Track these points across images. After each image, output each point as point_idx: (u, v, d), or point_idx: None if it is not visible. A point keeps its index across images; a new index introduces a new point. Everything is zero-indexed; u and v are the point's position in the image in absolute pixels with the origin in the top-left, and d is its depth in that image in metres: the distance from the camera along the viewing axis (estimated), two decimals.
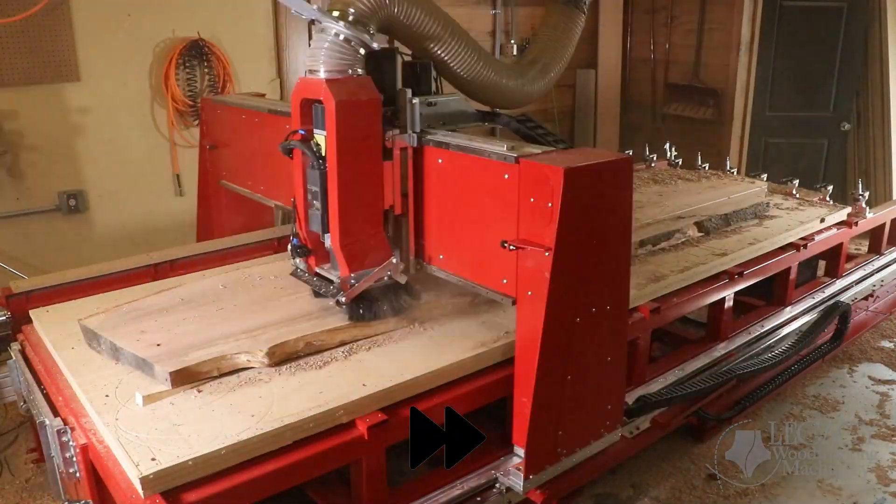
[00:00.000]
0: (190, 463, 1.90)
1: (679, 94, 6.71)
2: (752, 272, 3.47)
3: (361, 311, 2.57)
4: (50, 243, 4.21)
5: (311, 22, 2.45)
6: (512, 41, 6.05)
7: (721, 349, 3.39)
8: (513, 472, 2.31)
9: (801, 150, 6.38)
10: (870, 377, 3.93)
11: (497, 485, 2.36)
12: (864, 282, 4.10)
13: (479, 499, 2.42)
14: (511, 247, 2.16)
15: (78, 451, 2.09)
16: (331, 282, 2.59)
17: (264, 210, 3.67)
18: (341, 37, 2.35)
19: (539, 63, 3.02)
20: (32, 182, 4.11)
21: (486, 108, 2.95)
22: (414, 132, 2.52)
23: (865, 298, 4.17)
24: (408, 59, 2.72)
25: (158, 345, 2.41)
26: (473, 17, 5.88)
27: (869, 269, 4.23)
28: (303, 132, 2.48)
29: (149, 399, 2.19)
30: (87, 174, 4.29)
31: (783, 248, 3.67)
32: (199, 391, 2.25)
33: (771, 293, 3.79)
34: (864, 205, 4.17)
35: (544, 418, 2.26)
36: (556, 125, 6.90)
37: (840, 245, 4.04)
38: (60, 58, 4.06)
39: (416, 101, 2.51)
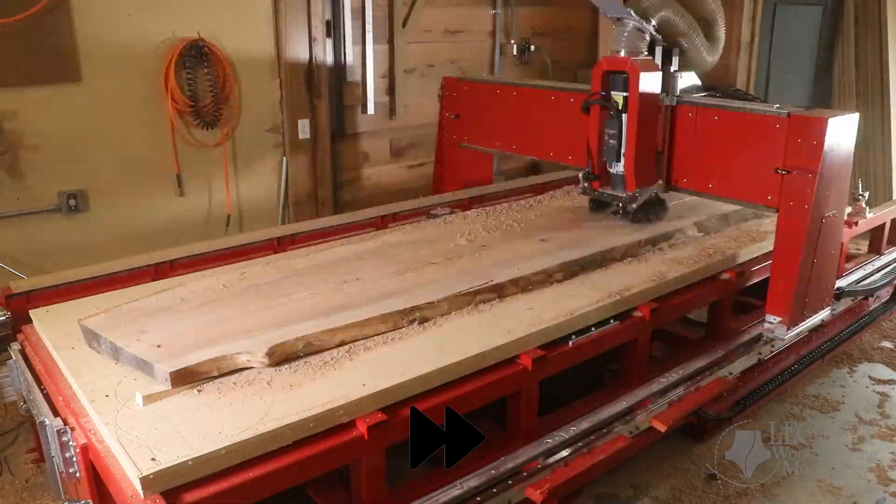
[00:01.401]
0: (190, 463, 1.91)
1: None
2: (752, 272, 3.47)
3: (640, 215, 3.72)
4: (50, 243, 4.20)
5: (618, 19, 3.39)
6: (512, 41, 6.04)
7: (721, 349, 3.39)
8: (777, 328, 3.13)
9: None
10: (870, 377, 3.94)
11: (762, 337, 3.30)
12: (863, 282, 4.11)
13: (478, 498, 2.43)
14: (784, 171, 3.04)
15: (78, 451, 2.09)
16: (618, 197, 3.56)
17: (487, 167, 4.81)
18: (635, 28, 3.35)
19: (711, 35, 3.78)
20: (32, 182, 4.11)
21: None
22: (674, 95, 3.48)
23: (865, 298, 4.17)
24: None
25: (158, 345, 2.40)
26: (473, 17, 5.88)
27: (869, 269, 4.23)
28: (603, 94, 3.46)
29: (149, 399, 2.19)
30: (87, 174, 4.28)
31: None
32: (199, 391, 2.25)
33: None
34: (864, 205, 4.16)
35: (801, 289, 3.10)
36: None
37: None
38: (61, 58, 4.05)
39: (678, 74, 3.49)
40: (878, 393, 3.77)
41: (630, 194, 3.52)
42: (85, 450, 2.09)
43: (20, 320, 2.85)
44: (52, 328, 2.69)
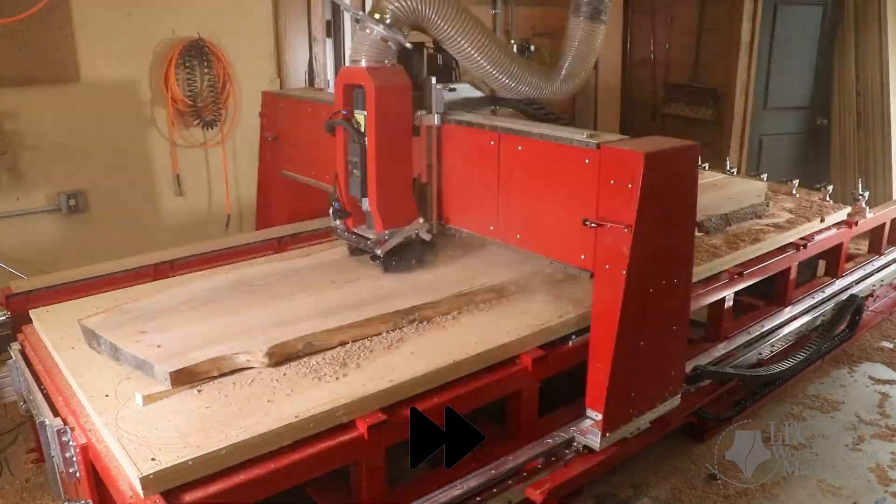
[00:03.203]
0: (190, 463, 1.91)
1: (679, 94, 6.71)
2: (752, 272, 3.47)
3: (394, 262, 3.02)
4: (50, 243, 4.21)
5: (356, 20, 2.90)
6: (512, 41, 6.03)
7: (721, 349, 3.39)
8: (591, 431, 2.48)
9: (784, 145, 6.48)
10: (870, 377, 3.93)
11: (574, 444, 2.54)
12: (863, 282, 4.11)
13: (478, 499, 2.43)
14: (592, 224, 2.36)
15: (78, 451, 2.09)
16: (367, 239, 3.00)
17: (323, 198, 3.74)
18: (379, 36, 2.81)
19: (562, 72, 3.32)
20: (32, 182, 4.11)
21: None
22: (438, 113, 2.96)
23: (865, 298, 4.17)
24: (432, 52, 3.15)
25: (158, 345, 2.40)
26: None
27: (869, 269, 4.23)
28: (345, 112, 2.91)
29: (149, 399, 2.19)
30: (87, 174, 4.28)
31: (783, 248, 3.68)
32: (199, 391, 2.25)
33: (771, 293, 3.79)
34: (864, 205, 4.17)
35: (620, 381, 2.44)
36: None
37: (840, 245, 4.04)
38: (60, 58, 4.05)
39: (439, 86, 2.96)
40: (878, 393, 3.77)
41: (378, 236, 2.95)
42: (85, 450, 2.09)
43: (20, 320, 2.85)
44: (52, 328, 2.69)
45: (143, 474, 1.84)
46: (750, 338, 3.50)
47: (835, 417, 3.56)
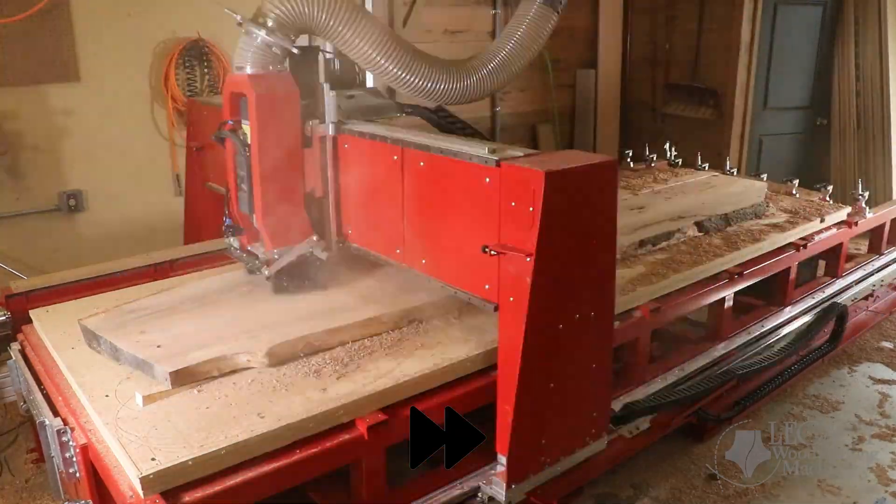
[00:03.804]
0: (190, 463, 1.91)
1: (679, 94, 6.71)
2: (752, 272, 3.47)
3: (286, 283, 2.81)
4: (50, 243, 4.21)
5: (238, 24, 2.64)
6: None
7: (721, 349, 3.39)
8: (495, 481, 2.26)
9: (784, 145, 6.49)
10: (870, 377, 3.93)
11: (479, 494, 2.30)
12: (863, 282, 4.11)
13: (478, 498, 2.42)
14: (492, 252, 2.13)
15: (78, 451, 2.08)
16: (251, 258, 2.85)
17: None
18: (262, 42, 2.62)
19: (494, 61, 3.03)
20: (32, 182, 4.11)
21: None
22: (332, 122, 2.76)
23: (865, 298, 4.17)
24: (329, 56, 3.00)
25: (158, 345, 2.40)
26: (473, 17, 5.88)
27: (869, 269, 4.23)
28: (231, 122, 2.75)
29: (149, 399, 2.19)
30: (87, 174, 4.28)
31: (783, 248, 3.68)
32: (199, 391, 2.25)
33: (771, 293, 3.79)
34: (863, 205, 4.17)
35: (527, 426, 2.22)
36: (555, 125, 6.90)
37: (840, 245, 4.04)
38: (60, 58, 4.05)
39: (332, 93, 2.74)
40: (878, 393, 3.77)
41: (267, 255, 2.77)
42: (85, 450, 2.09)
43: (20, 320, 2.85)
44: (52, 328, 2.69)
45: (143, 474, 1.84)
46: (749, 338, 3.51)
47: (835, 417, 3.56)
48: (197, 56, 4.46)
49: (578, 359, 2.32)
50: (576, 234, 2.17)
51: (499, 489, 2.24)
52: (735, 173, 4.68)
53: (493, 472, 2.29)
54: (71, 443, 2.11)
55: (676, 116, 6.69)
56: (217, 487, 1.92)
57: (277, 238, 2.72)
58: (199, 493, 1.90)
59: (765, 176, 4.44)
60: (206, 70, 4.52)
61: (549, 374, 2.22)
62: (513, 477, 2.24)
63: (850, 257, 4.29)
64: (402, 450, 2.32)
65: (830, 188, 4.39)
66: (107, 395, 2.23)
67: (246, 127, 2.70)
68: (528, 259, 2.04)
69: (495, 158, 2.17)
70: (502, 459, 2.25)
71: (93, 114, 4.23)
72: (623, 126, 7.18)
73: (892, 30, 5.96)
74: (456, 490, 2.30)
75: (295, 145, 2.72)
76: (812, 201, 4.29)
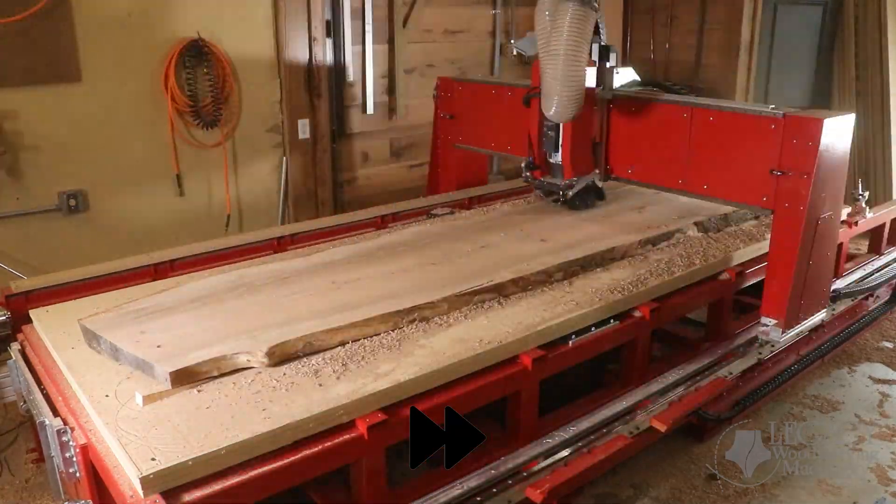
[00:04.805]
0: (190, 463, 1.90)
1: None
2: (752, 272, 3.47)
3: (577, 202, 3.95)
4: (50, 243, 4.20)
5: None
6: (512, 41, 6.05)
7: None
8: (772, 330, 3.15)
9: None
10: (870, 377, 3.94)
11: (758, 340, 3.34)
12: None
13: (478, 498, 2.43)
14: (777, 172, 3.05)
15: (78, 451, 2.09)
16: (556, 185, 3.82)
17: (482, 168, 4.85)
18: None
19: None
20: (32, 182, 4.11)
21: None
22: (610, 90, 3.64)
23: (865, 298, 4.17)
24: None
25: (158, 345, 2.40)
26: (473, 17, 5.88)
27: (869, 268, 4.23)
28: (538, 87, 3.53)
29: (149, 399, 2.19)
30: (87, 174, 4.28)
31: None
32: (199, 391, 2.25)
33: None
34: (864, 205, 4.16)
35: (797, 292, 3.12)
36: None
37: (840, 245, 4.03)
38: (61, 58, 4.05)
39: (616, 70, 3.66)
40: (878, 393, 3.77)
41: (567, 182, 3.77)
42: (85, 450, 2.09)
43: (20, 320, 2.84)
44: (52, 328, 2.69)
45: (143, 474, 1.84)
46: (746, 340, 3.51)
47: (835, 417, 3.56)
48: (197, 56, 4.45)
49: (823, 246, 3.18)
50: (829, 163, 3.02)
51: (776, 335, 3.14)
52: None
53: (763, 327, 3.19)
54: (71, 443, 2.11)
55: None
56: (217, 487, 1.92)
57: (576, 169, 3.72)
58: (199, 493, 1.90)
59: None
60: (206, 70, 4.52)
61: (810, 256, 3.10)
62: (788, 326, 3.15)
63: (849, 257, 4.29)
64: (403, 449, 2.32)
65: None
66: (107, 395, 2.23)
67: None
68: (805, 177, 2.96)
69: (781, 112, 3.08)
70: (767, 320, 3.17)
71: (93, 114, 4.22)
72: None
73: (892, 30, 5.96)
74: (739, 339, 3.49)
75: (591, 105, 3.61)
76: None
